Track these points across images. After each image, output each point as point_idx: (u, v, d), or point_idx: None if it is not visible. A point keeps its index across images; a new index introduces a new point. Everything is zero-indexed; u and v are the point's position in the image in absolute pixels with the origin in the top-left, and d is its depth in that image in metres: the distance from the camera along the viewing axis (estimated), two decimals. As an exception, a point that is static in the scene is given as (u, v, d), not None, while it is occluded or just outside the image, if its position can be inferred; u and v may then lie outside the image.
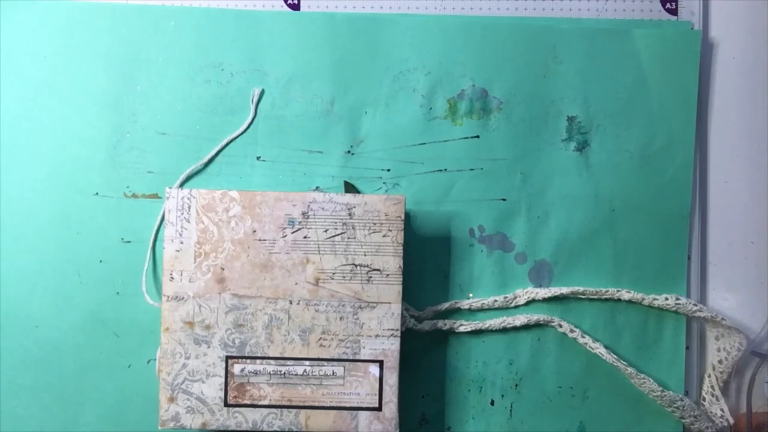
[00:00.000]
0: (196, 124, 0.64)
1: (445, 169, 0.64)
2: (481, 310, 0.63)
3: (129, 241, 0.63)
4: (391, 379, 0.58)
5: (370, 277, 0.58)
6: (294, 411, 0.58)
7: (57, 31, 0.64)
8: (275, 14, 0.64)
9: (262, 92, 0.64)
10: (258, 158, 0.64)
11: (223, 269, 0.57)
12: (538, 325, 0.63)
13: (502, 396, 0.63)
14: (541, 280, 0.64)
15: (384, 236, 0.58)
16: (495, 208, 0.64)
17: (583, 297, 0.63)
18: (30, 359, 0.63)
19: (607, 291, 0.62)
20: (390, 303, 0.58)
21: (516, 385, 0.63)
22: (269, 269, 0.58)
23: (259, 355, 0.57)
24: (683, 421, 0.62)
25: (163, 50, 0.64)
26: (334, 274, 0.58)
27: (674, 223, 0.64)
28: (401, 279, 0.58)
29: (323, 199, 0.58)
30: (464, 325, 0.62)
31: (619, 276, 0.63)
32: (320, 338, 0.58)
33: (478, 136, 0.64)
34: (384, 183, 0.64)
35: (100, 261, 0.63)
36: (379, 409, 0.58)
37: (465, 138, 0.64)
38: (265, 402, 0.57)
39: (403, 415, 0.62)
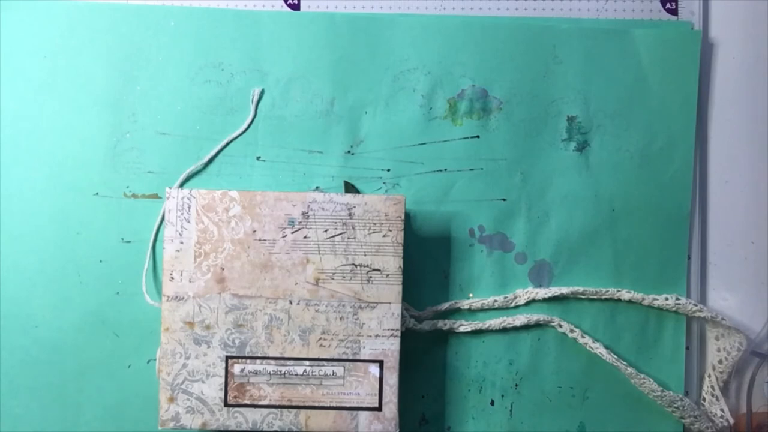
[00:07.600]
0: (196, 124, 0.64)
1: (445, 169, 0.64)
2: (481, 310, 0.63)
3: (129, 241, 0.63)
4: (391, 379, 0.58)
5: (370, 277, 0.58)
6: (294, 411, 0.58)
7: (57, 31, 0.64)
8: (275, 14, 0.64)
9: (262, 92, 0.64)
10: (258, 158, 0.64)
11: (223, 269, 0.57)
12: (538, 325, 0.63)
13: (502, 396, 0.63)
14: (541, 280, 0.63)
15: (384, 236, 0.58)
16: (495, 208, 0.64)
17: (583, 297, 0.63)
18: (30, 359, 0.63)
19: (607, 291, 0.62)
20: (390, 303, 0.58)
21: (516, 385, 0.63)
22: (269, 269, 0.58)
23: (259, 355, 0.57)
24: (683, 421, 0.62)
25: (163, 50, 0.64)
26: (334, 274, 0.58)
27: (674, 223, 0.64)
28: (401, 279, 0.58)
29: (323, 199, 0.58)
30: (464, 325, 0.62)
31: (619, 276, 0.63)
32: (320, 338, 0.58)
33: (478, 136, 0.64)
34: (384, 183, 0.64)
35: (100, 261, 0.63)
36: (379, 409, 0.58)
37: (465, 138, 0.64)
38: (265, 402, 0.57)
39: (403, 415, 0.62)
